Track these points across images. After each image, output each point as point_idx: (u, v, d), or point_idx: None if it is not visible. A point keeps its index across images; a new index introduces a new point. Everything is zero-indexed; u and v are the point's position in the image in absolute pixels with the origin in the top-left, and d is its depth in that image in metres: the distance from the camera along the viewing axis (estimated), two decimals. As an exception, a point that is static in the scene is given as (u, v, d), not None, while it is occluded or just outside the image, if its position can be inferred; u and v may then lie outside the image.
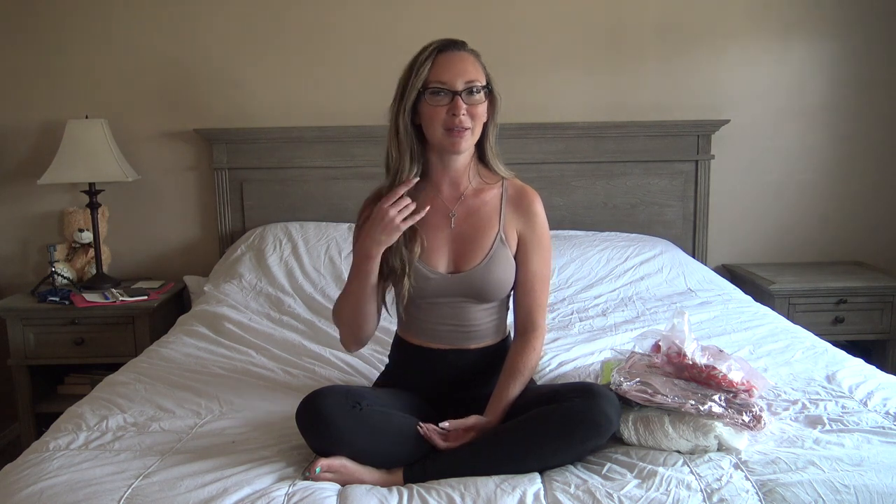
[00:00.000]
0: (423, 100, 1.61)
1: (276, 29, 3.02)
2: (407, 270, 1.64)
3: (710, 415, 1.48)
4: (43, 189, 2.98)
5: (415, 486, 1.41)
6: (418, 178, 1.64)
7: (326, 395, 1.47)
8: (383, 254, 1.63)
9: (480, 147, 1.71)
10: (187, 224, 3.13)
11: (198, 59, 3.02)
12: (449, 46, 1.63)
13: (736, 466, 1.41)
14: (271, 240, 2.84)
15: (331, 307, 2.48)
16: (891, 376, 1.87)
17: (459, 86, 1.59)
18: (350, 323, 1.72)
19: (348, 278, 1.69)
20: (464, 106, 1.59)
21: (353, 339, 1.76)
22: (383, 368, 1.89)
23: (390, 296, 1.75)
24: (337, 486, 1.41)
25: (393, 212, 1.57)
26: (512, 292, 1.74)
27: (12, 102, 3.01)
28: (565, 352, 2.10)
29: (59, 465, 1.45)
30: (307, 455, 1.48)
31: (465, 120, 1.60)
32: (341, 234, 2.84)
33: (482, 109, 1.63)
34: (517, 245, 1.71)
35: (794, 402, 1.70)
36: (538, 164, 3.03)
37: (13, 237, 3.09)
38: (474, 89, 1.60)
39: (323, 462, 1.42)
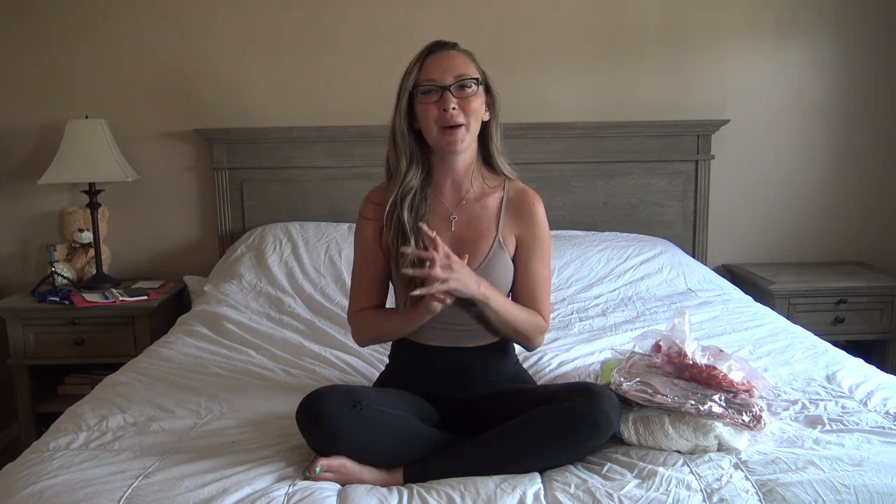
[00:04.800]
0: (416, 101, 1.63)
1: (276, 29, 3.02)
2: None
3: (710, 415, 1.48)
4: (43, 189, 2.98)
5: (415, 486, 1.41)
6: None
7: (327, 394, 1.48)
8: (394, 259, 1.66)
9: (485, 147, 1.72)
10: (187, 224, 3.13)
11: (198, 59, 3.02)
12: (439, 47, 1.65)
13: (736, 466, 1.41)
14: (271, 240, 2.83)
15: (331, 307, 2.53)
16: (891, 376, 1.87)
17: (448, 80, 1.61)
18: (384, 339, 1.78)
19: (403, 321, 1.66)
20: (454, 100, 1.60)
21: (374, 343, 1.82)
22: (383, 368, 1.89)
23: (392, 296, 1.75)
24: (337, 486, 1.41)
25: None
26: (513, 295, 1.74)
27: (12, 102, 3.01)
28: (565, 352, 2.10)
29: (59, 465, 1.45)
30: (307, 455, 1.48)
31: (457, 114, 1.60)
32: (341, 234, 2.84)
33: (477, 104, 1.63)
34: (516, 248, 1.72)
35: (794, 402, 1.70)
36: (538, 164, 3.03)
37: (13, 237, 3.09)
38: (465, 84, 1.61)
39: (323, 462, 1.42)
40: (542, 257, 1.73)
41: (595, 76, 3.09)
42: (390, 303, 1.78)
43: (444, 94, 1.60)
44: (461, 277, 1.55)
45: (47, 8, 2.96)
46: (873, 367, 1.93)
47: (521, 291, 1.72)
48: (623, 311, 2.51)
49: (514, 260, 1.72)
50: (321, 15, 3.02)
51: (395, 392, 1.65)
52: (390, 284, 1.77)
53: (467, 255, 1.61)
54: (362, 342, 1.79)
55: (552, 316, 2.45)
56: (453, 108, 1.59)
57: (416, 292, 1.53)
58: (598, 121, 3.07)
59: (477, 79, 1.64)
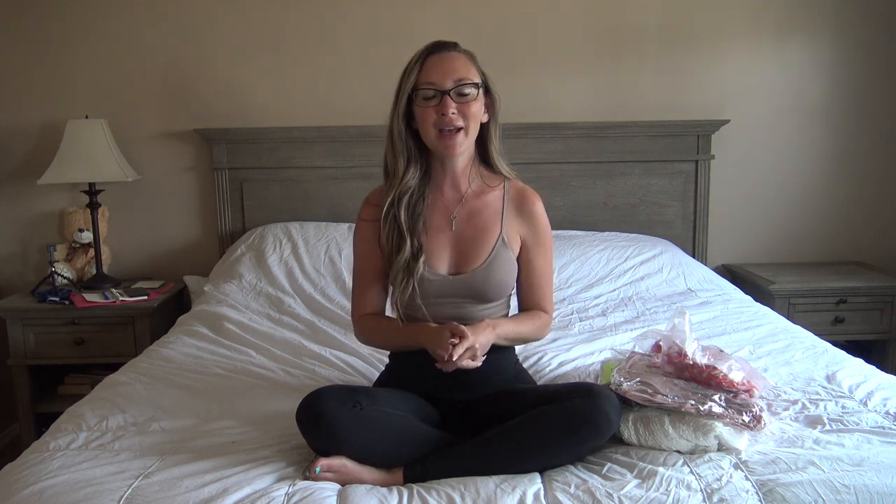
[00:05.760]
0: (415, 104, 1.62)
1: (276, 29, 3.02)
2: (413, 277, 1.64)
3: (710, 415, 1.48)
4: (43, 189, 2.98)
5: (415, 486, 1.41)
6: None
7: (327, 394, 1.48)
8: (388, 258, 1.67)
9: (483, 148, 1.72)
10: (187, 224, 3.13)
11: (198, 59, 3.02)
12: (439, 48, 1.64)
13: (736, 466, 1.41)
14: (271, 240, 2.84)
15: (331, 307, 2.53)
16: (891, 376, 1.87)
17: (448, 85, 1.60)
18: (388, 350, 1.80)
19: (403, 337, 1.68)
20: (453, 104, 1.59)
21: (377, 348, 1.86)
22: (383, 368, 1.89)
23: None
24: (337, 486, 1.41)
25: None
26: (517, 290, 1.76)
27: (12, 102, 3.01)
28: (565, 352, 2.10)
29: (59, 465, 1.45)
30: (307, 455, 1.49)
31: (456, 118, 1.60)
32: (341, 234, 2.84)
33: (476, 108, 1.63)
34: (520, 247, 1.73)
35: (794, 402, 1.70)
36: (538, 164, 3.03)
37: (13, 237, 3.09)
38: (465, 88, 1.60)
39: (323, 462, 1.42)
40: (545, 253, 1.74)
41: (595, 76, 3.09)
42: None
43: (443, 98, 1.59)
44: (481, 342, 1.56)
45: (47, 8, 2.96)
46: (873, 367, 1.93)
47: (525, 288, 1.74)
48: (623, 311, 2.51)
49: (518, 259, 1.73)
50: (321, 15, 3.01)
51: (395, 392, 1.65)
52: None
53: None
54: (365, 343, 1.82)
55: (552, 316, 2.46)
56: (452, 113, 1.59)
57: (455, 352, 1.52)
58: (598, 121, 3.07)
59: (477, 83, 1.63)
